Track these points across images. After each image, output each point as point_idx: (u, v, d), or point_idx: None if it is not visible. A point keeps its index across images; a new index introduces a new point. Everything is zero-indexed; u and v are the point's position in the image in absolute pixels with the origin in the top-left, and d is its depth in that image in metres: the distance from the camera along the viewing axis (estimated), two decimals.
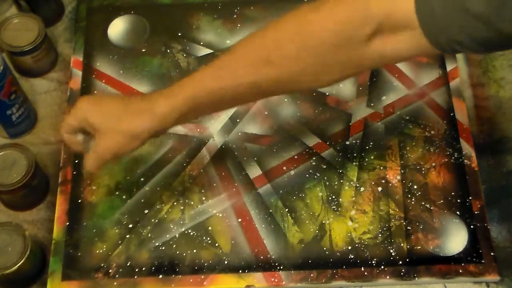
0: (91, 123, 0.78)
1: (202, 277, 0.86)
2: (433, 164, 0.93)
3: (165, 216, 0.91)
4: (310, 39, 0.69)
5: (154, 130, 0.77)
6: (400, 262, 0.86)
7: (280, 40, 0.70)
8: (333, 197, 0.91)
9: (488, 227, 0.88)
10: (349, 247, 0.87)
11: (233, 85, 0.73)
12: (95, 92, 1.00)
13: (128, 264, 0.87)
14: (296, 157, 0.94)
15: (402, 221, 0.89)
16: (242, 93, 0.74)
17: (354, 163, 0.93)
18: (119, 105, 0.79)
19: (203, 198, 0.92)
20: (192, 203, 0.91)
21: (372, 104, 0.98)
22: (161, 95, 0.77)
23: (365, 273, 0.86)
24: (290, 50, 0.70)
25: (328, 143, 0.95)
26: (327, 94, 0.99)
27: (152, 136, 0.78)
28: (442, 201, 0.90)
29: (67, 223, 0.90)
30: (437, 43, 0.64)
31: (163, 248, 0.88)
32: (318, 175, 0.93)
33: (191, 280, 0.86)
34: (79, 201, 0.92)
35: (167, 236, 0.89)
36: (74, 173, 0.94)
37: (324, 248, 0.88)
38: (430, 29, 0.63)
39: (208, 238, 0.89)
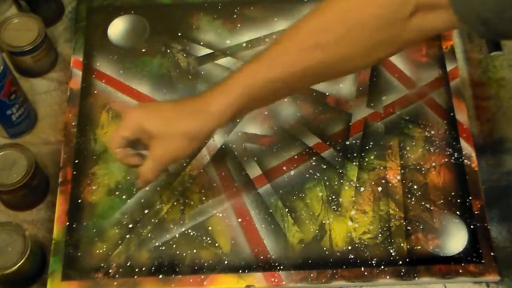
0: (147, 129, 0.76)
1: (202, 277, 0.86)
2: (433, 164, 0.93)
3: (165, 216, 0.91)
4: (355, 22, 0.71)
5: (211, 129, 0.77)
6: (400, 262, 0.86)
7: (328, 24, 0.72)
8: (333, 197, 0.91)
9: (488, 227, 0.88)
10: (349, 247, 0.87)
11: (285, 75, 0.74)
12: (95, 92, 1.00)
13: (128, 264, 0.87)
14: (296, 157, 0.94)
15: (402, 221, 0.89)
16: (294, 81, 0.75)
17: (354, 163, 0.93)
18: (173, 109, 0.78)
19: (203, 198, 0.92)
20: (192, 203, 0.91)
21: (372, 104, 0.98)
22: (214, 93, 0.76)
23: (365, 273, 0.86)
24: (338, 33, 0.72)
25: (328, 143, 0.95)
26: (327, 94, 0.99)
27: (210, 136, 0.78)
28: (442, 201, 0.90)
29: (67, 223, 0.90)
30: (466, 21, 0.66)
31: (163, 248, 0.88)
32: (318, 175, 0.93)
33: (191, 280, 0.86)
34: (79, 201, 0.92)
35: (167, 236, 0.89)
36: (74, 173, 0.94)
37: (324, 248, 0.88)
38: (459, 8, 0.66)
39: (208, 238, 0.89)
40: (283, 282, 0.86)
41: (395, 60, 1.01)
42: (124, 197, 0.92)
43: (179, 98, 0.98)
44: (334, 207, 0.90)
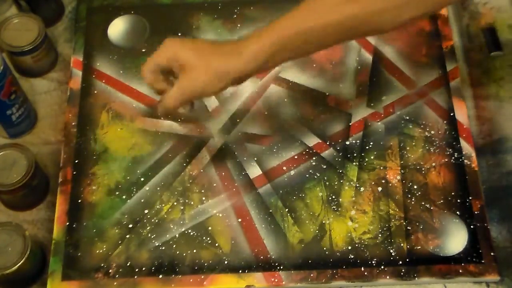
0: (181, 59, 0.80)
1: (202, 277, 0.86)
2: (433, 164, 0.93)
3: (165, 216, 0.91)
4: None
5: (240, 71, 0.79)
6: (400, 262, 0.86)
7: None
8: (333, 197, 0.91)
9: (488, 227, 0.88)
10: (349, 247, 0.87)
11: (319, 26, 0.76)
12: (95, 92, 1.00)
13: (128, 264, 0.87)
14: (296, 157, 0.94)
15: (402, 221, 0.89)
16: (327, 33, 0.77)
17: (354, 163, 0.93)
18: (210, 46, 0.81)
19: (203, 198, 0.92)
20: (192, 203, 0.91)
21: (372, 104, 0.98)
22: (249, 39, 0.79)
23: (365, 273, 0.86)
24: None
25: (328, 143, 0.95)
26: (327, 94, 0.99)
27: (237, 80, 0.80)
28: (442, 201, 0.90)
29: (67, 223, 0.90)
30: None
31: (163, 248, 0.88)
32: (318, 175, 0.93)
33: (191, 280, 0.86)
34: (79, 201, 0.92)
35: (167, 236, 0.89)
36: (74, 173, 0.94)
37: (324, 248, 0.88)
38: None
39: (208, 238, 0.89)
40: (283, 282, 0.86)
41: (395, 60, 1.01)
42: (124, 197, 0.92)
43: None
44: (334, 207, 0.90)
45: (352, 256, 0.87)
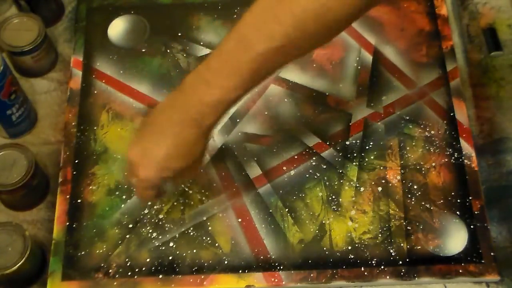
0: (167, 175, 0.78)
1: (202, 277, 0.86)
2: (433, 164, 0.93)
3: (165, 216, 0.91)
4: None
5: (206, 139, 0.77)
6: (400, 262, 0.86)
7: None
8: (333, 197, 0.91)
9: (488, 227, 0.88)
10: (349, 247, 0.87)
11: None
12: (95, 92, 1.00)
13: (128, 264, 0.87)
14: (296, 157, 0.94)
15: (402, 221, 0.89)
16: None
17: (354, 163, 0.93)
18: (171, 144, 0.76)
19: (203, 198, 0.92)
20: (192, 203, 0.91)
21: (372, 104, 0.98)
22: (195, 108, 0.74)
23: (365, 273, 0.86)
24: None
25: (328, 143, 0.95)
26: (327, 94, 0.99)
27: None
28: (442, 201, 0.90)
29: (67, 223, 0.90)
30: None
31: (163, 248, 0.88)
32: (318, 175, 0.93)
33: (191, 280, 0.86)
34: (79, 201, 0.92)
35: (167, 236, 0.89)
36: (74, 173, 0.94)
37: (324, 248, 0.88)
38: None
39: (208, 238, 0.89)
40: (283, 282, 0.86)
41: (395, 60, 1.01)
42: (124, 197, 0.92)
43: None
44: (334, 207, 0.90)
45: (352, 256, 0.87)
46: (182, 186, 0.92)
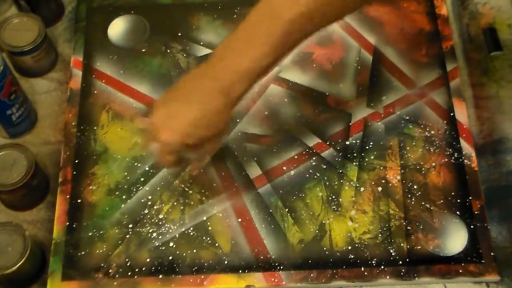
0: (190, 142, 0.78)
1: (202, 277, 0.86)
2: (433, 164, 0.93)
3: (165, 216, 0.91)
4: None
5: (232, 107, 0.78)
6: (400, 262, 0.86)
7: None
8: (333, 197, 0.91)
9: (488, 227, 0.88)
10: (349, 247, 0.87)
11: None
12: (95, 92, 1.00)
13: (128, 264, 0.88)
14: (296, 157, 0.94)
15: (402, 221, 0.89)
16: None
17: (354, 163, 0.93)
18: (198, 111, 0.77)
19: (203, 198, 0.92)
20: (192, 203, 0.91)
21: (372, 104, 0.98)
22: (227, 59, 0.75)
23: (365, 273, 0.86)
24: None
25: (328, 143, 0.95)
26: (327, 94, 0.99)
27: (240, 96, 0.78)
28: (442, 201, 0.90)
29: (67, 223, 0.90)
30: None
31: (163, 248, 0.88)
32: (318, 175, 0.93)
33: (191, 280, 0.86)
34: (79, 201, 0.92)
35: (167, 236, 0.89)
36: (74, 173, 0.94)
37: (324, 248, 0.88)
38: None
39: (208, 238, 0.89)
40: (283, 282, 0.86)
41: (395, 60, 1.01)
42: (124, 197, 0.92)
43: None
44: (334, 207, 0.90)
45: (352, 256, 0.87)
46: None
